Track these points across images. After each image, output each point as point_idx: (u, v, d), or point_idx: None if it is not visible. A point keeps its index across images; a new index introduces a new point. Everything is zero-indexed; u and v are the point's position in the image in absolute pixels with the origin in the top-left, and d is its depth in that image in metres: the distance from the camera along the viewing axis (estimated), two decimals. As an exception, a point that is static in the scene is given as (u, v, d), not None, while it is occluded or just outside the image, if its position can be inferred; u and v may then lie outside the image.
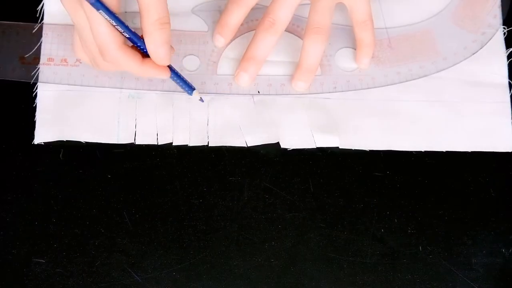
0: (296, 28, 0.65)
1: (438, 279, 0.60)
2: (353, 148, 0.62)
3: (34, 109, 0.63)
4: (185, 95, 0.63)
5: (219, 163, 0.62)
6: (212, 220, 0.61)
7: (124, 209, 0.61)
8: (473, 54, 0.64)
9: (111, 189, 0.62)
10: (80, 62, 0.63)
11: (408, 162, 0.62)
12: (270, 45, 0.62)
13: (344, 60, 0.65)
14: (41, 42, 0.64)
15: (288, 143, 0.63)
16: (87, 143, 0.62)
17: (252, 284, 0.60)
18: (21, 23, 0.65)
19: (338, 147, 0.62)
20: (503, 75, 0.64)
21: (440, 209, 0.61)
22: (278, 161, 0.62)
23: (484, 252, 0.60)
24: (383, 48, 0.65)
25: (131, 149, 0.62)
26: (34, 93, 0.63)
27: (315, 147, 0.62)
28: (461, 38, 0.64)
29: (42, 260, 0.60)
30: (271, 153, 0.63)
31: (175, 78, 0.60)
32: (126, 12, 0.65)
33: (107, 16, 0.51)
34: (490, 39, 0.64)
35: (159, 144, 0.62)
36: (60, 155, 0.62)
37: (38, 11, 0.65)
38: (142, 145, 0.62)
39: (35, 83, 0.63)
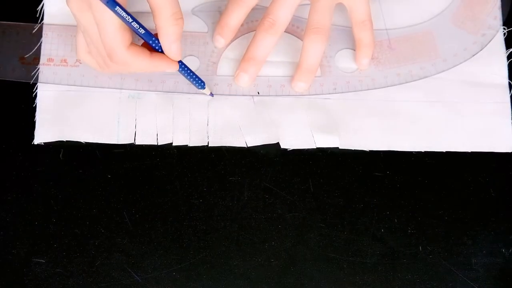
0: (296, 29, 0.65)
1: (438, 279, 0.60)
2: (353, 148, 0.62)
3: (34, 109, 0.63)
4: (185, 95, 0.63)
5: (219, 163, 0.62)
6: (212, 220, 0.61)
7: (124, 209, 0.61)
8: (473, 55, 0.64)
9: (111, 189, 0.62)
10: (80, 63, 0.63)
11: (408, 162, 0.62)
12: (270, 46, 0.62)
13: (344, 61, 0.65)
14: (41, 42, 0.64)
15: (288, 143, 0.63)
16: (87, 143, 0.62)
17: (252, 284, 0.60)
18: (21, 23, 0.65)
19: (338, 147, 0.62)
20: (503, 75, 0.64)
21: (440, 209, 0.61)
22: (278, 161, 0.62)
23: (484, 252, 0.60)
24: (383, 49, 0.65)
25: (131, 149, 0.62)
26: (34, 93, 0.63)
27: (315, 147, 0.62)
28: (461, 40, 0.64)
29: (42, 260, 0.60)
30: (271, 153, 0.63)
31: (185, 73, 0.60)
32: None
33: (122, 13, 0.51)
34: (490, 41, 0.64)
35: (159, 144, 0.62)
36: (60, 155, 0.62)
37: (38, 11, 0.65)
38: (142, 145, 0.62)
39: (35, 83, 0.63)
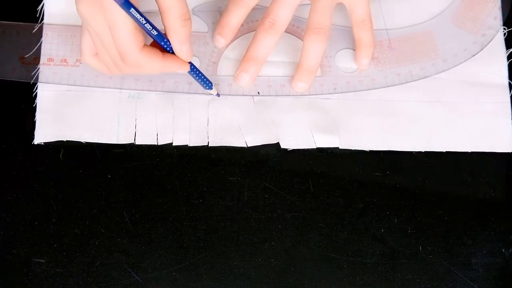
0: (296, 29, 0.65)
1: (438, 279, 0.60)
2: (353, 148, 0.62)
3: (34, 109, 0.63)
4: (185, 95, 0.63)
5: (219, 163, 0.62)
6: (212, 220, 0.61)
7: (124, 209, 0.61)
8: (473, 55, 0.64)
9: (111, 189, 0.62)
10: (81, 63, 0.63)
11: (408, 162, 0.62)
12: (270, 46, 0.62)
13: (344, 61, 0.65)
14: (41, 42, 0.64)
15: (288, 143, 0.63)
16: (87, 143, 0.62)
17: (252, 284, 0.60)
18: (22, 23, 0.65)
19: (338, 147, 0.62)
20: (503, 75, 0.64)
21: (440, 209, 0.61)
22: (278, 161, 0.62)
23: (484, 252, 0.60)
24: (383, 49, 0.65)
25: (131, 149, 0.62)
26: (34, 93, 0.63)
27: (315, 147, 0.62)
28: (461, 40, 0.64)
29: (42, 260, 0.60)
30: (271, 153, 0.63)
31: (194, 73, 0.60)
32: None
33: (136, 15, 0.51)
34: (490, 41, 0.64)
35: (159, 144, 0.62)
36: (60, 155, 0.62)
37: (38, 11, 0.65)
38: (142, 145, 0.62)
39: (35, 83, 0.63)
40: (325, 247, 0.60)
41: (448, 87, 0.64)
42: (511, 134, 0.63)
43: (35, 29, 0.64)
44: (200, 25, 0.65)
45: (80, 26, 0.58)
